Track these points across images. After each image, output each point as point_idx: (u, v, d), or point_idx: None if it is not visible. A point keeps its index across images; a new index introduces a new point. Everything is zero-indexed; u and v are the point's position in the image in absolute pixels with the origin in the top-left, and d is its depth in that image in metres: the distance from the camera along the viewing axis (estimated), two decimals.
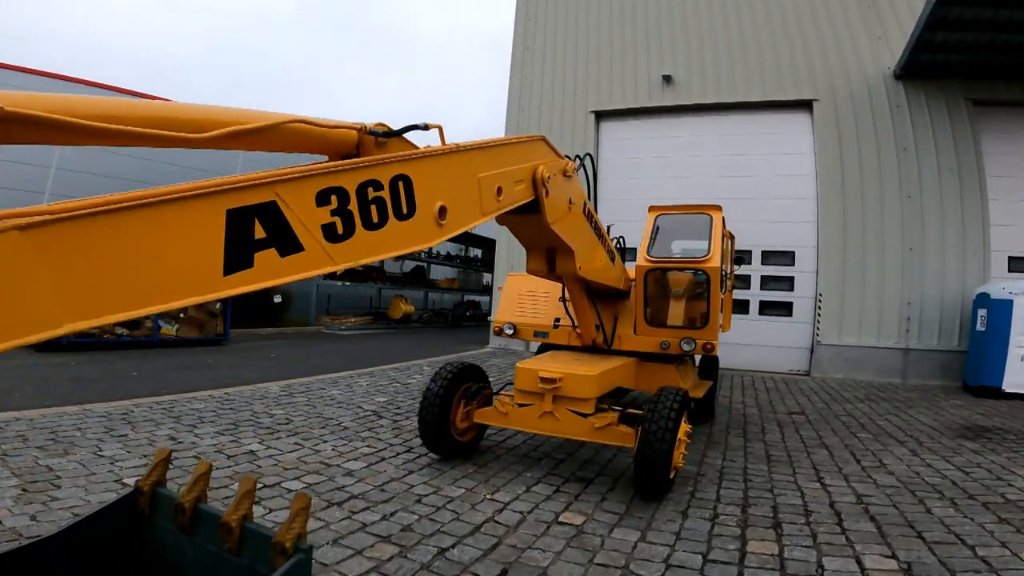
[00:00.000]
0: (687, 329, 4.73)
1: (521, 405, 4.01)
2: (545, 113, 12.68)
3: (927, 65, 10.06)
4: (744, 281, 11.05)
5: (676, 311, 4.84)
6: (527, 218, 3.17)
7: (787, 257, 10.98)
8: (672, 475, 3.65)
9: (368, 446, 4.62)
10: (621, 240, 5.48)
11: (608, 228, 6.62)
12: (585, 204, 3.83)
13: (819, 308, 10.61)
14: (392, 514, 3.27)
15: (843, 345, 10.42)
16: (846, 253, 10.55)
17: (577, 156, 4.06)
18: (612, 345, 4.87)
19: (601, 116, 12.44)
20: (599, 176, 12.18)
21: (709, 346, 4.64)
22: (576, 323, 4.78)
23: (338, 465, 4.11)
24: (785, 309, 10.93)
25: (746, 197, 11.03)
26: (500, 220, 3.29)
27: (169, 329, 10.23)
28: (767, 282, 11.03)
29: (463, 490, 3.72)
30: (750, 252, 11.00)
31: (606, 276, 4.34)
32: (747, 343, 10.88)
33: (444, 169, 2.16)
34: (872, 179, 10.58)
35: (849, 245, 10.55)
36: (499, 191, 2.59)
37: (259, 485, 3.57)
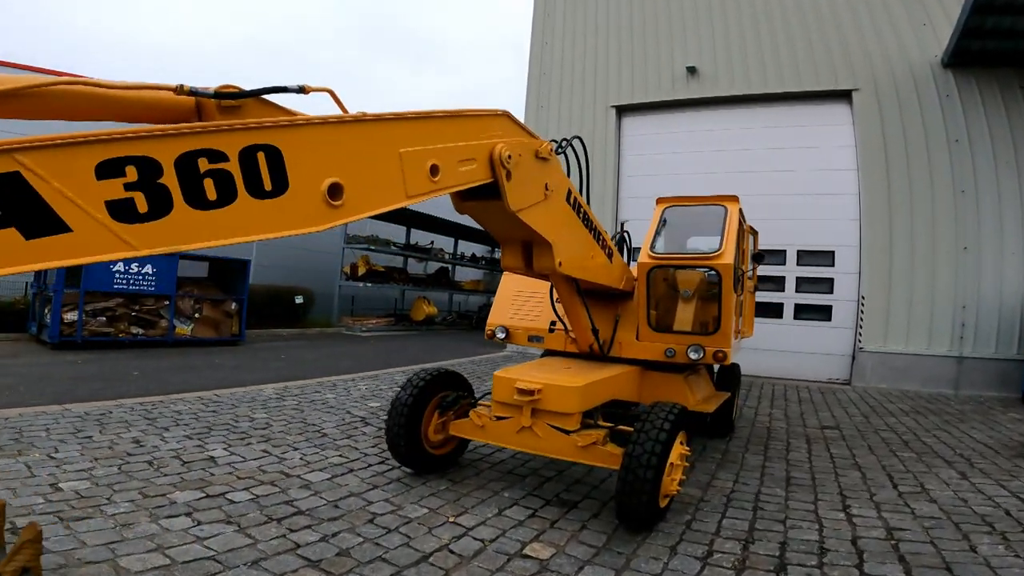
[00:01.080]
0: (696, 335, 4.21)
1: (499, 418, 3.59)
2: (564, 109, 12.22)
3: (978, 53, 9.20)
4: (778, 283, 10.32)
5: (684, 314, 4.32)
6: (487, 204, 2.75)
7: (826, 257, 10.18)
8: (666, 503, 3.15)
9: (341, 456, 4.27)
10: (626, 235, 4.99)
11: (622, 224, 6.14)
12: (570, 192, 3.38)
13: (862, 312, 9.79)
14: (334, 535, 2.90)
15: (888, 352, 9.58)
16: (892, 252, 9.70)
17: (565, 140, 3.63)
18: (611, 352, 4.39)
19: (622, 111, 11.89)
20: (621, 173, 11.74)
21: (721, 355, 4.10)
22: (568, 327, 4.32)
23: (298, 476, 3.77)
24: (823, 313, 10.14)
25: (779, 193, 10.32)
26: (459, 207, 2.90)
27: (184, 329, 10.20)
28: (803, 284, 10.26)
29: (426, 510, 3.31)
30: (784, 252, 10.27)
31: (600, 275, 3.87)
32: (781, 349, 10.14)
33: (336, 141, 1.77)
34: (921, 173, 9.71)
35: (896, 244, 9.71)
36: (434, 170, 2.18)
37: (200, 496, 3.26)
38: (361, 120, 1.86)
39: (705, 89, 11.10)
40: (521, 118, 12.34)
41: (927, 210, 9.60)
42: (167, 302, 9.98)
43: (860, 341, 9.74)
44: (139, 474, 3.61)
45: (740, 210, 4.76)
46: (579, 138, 3.78)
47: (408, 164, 2.05)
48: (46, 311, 9.49)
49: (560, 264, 3.22)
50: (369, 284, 15.67)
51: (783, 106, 10.69)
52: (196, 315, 10.30)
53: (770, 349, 10.19)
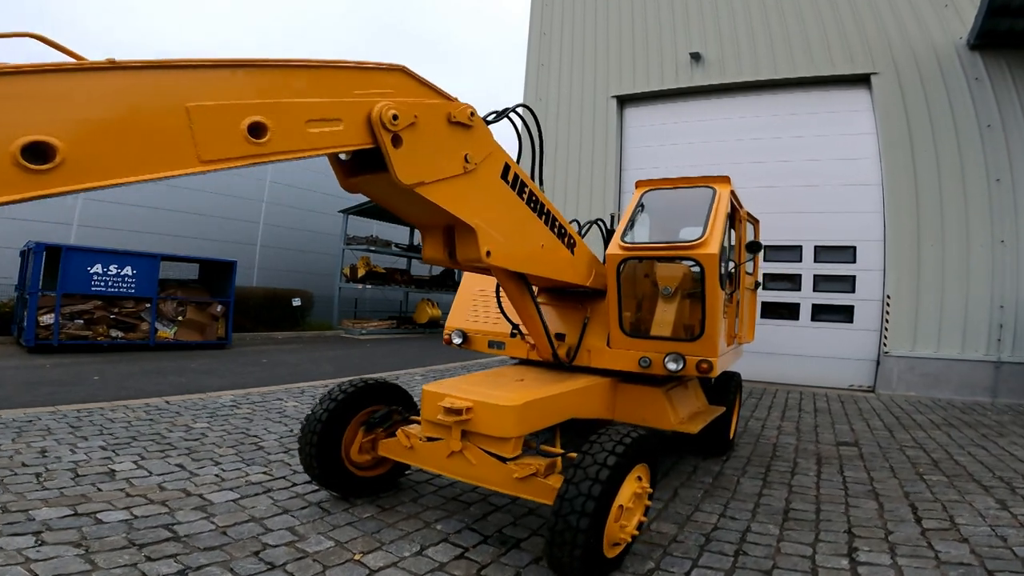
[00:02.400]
0: (677, 341, 3.55)
1: (430, 439, 3.00)
2: (563, 102, 11.59)
3: (1006, 33, 8.36)
4: (793, 282, 9.54)
5: (664, 316, 3.67)
6: (375, 179, 2.19)
7: (846, 253, 9.36)
8: (617, 551, 2.52)
9: (265, 473, 3.74)
10: (601, 224, 4.36)
11: (612, 216, 5.48)
12: (509, 169, 2.78)
13: (887, 313, 8.95)
14: (198, 568, 2.35)
15: (917, 357, 8.73)
16: (920, 247, 8.85)
17: (507, 109, 3.04)
18: (577, 360, 3.77)
19: (624, 102, 11.22)
20: (623, 167, 11.06)
21: (706, 365, 3.44)
22: (523, 331, 3.71)
23: (200, 495, 3.27)
24: (844, 314, 9.32)
25: (793, 185, 9.57)
26: (344, 184, 2.35)
27: (166, 332, 9.84)
28: (822, 282, 9.45)
29: (331, 543, 2.75)
30: (800, 248, 9.49)
31: (556, 269, 3.25)
32: (797, 354, 9.36)
33: (49, 92, 1.24)
34: (951, 160, 8.85)
35: (924, 237, 8.85)
36: (258, 130, 1.62)
37: (66, 514, 2.73)
38: (98, 68, 1.32)
39: (711, 76, 10.38)
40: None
41: (959, 201, 8.73)
42: (148, 304, 9.63)
43: (885, 344, 8.91)
44: (18, 487, 3.17)
45: (733, 193, 4.10)
46: (527, 106, 3.17)
47: (203, 121, 1.50)
48: (25, 314, 9.21)
49: (489, 254, 2.62)
50: (369, 286, 15.23)
51: (795, 93, 9.93)
52: (179, 318, 9.93)
53: (785, 353, 9.42)
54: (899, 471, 4.61)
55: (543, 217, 3.10)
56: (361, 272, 15.02)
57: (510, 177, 2.81)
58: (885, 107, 9.26)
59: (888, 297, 8.96)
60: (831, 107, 9.74)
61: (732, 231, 4.38)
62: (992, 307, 8.44)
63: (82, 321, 9.07)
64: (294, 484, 3.57)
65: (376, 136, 2.02)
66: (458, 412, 2.76)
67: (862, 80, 9.54)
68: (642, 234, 3.75)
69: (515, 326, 3.79)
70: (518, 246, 2.87)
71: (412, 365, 9.50)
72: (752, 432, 5.76)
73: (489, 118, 2.83)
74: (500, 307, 3.67)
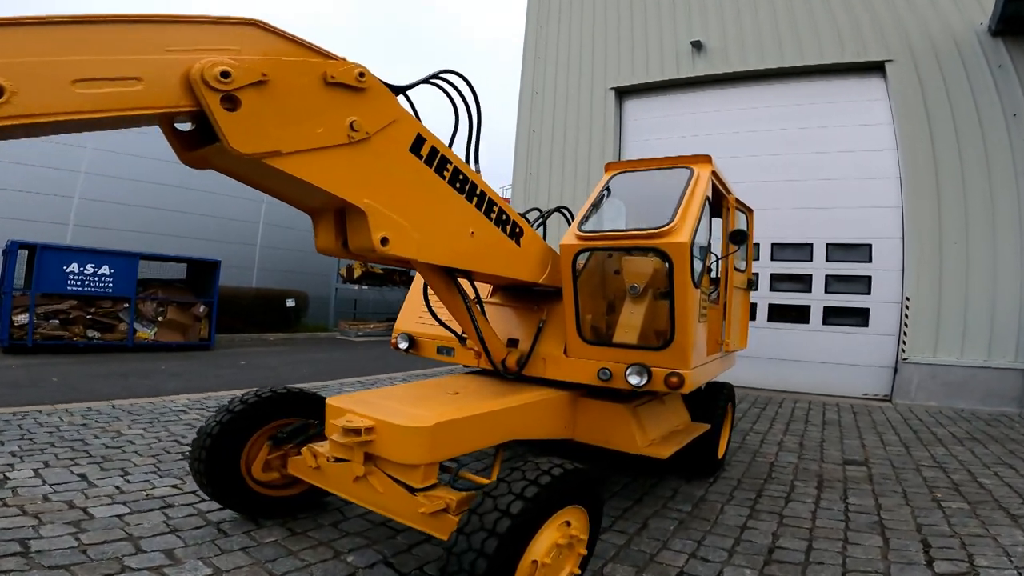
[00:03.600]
0: (643, 350, 3.02)
1: (337, 459, 2.53)
2: (560, 94, 11.08)
3: None
4: (803, 282, 8.91)
5: (629, 320, 3.14)
6: (218, 149, 1.74)
7: (861, 252, 8.70)
8: None
9: (175, 487, 3.36)
10: (566, 212, 3.85)
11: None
12: (422, 142, 2.29)
13: (906, 316, 8.29)
14: None
15: (939, 364, 8.04)
16: (943, 245, 8.17)
17: (430, 76, 2.56)
18: (527, 369, 3.26)
19: (623, 94, 10.68)
20: (622, 157, 10.51)
21: (675, 379, 2.90)
22: (463, 336, 3.22)
23: (85, 509, 2.95)
24: (859, 317, 8.66)
25: (803, 179, 8.96)
26: (184, 158, 1.90)
27: (146, 333, 9.52)
28: (834, 283, 8.80)
29: (208, 572, 2.32)
30: (810, 246, 8.85)
31: (487, 261, 2.73)
32: (806, 359, 8.73)
33: None
34: (975, 152, 8.17)
35: (947, 235, 8.17)
36: None
37: None
38: None
39: (713, 66, 9.81)
40: (515, 105, 11.41)
41: (983, 195, 8.05)
42: (126, 304, 9.31)
43: (904, 350, 8.24)
44: None
45: (716, 175, 3.56)
46: (460, 75, 2.69)
47: None
48: None
49: (386, 241, 2.13)
50: (365, 287, 14.85)
51: (804, 82, 9.32)
52: (159, 318, 9.60)
53: (793, 360, 8.80)
54: (913, 497, 4.03)
55: (475, 200, 2.60)
56: (357, 273, 14.65)
57: (424, 151, 2.31)
58: (902, 96, 8.63)
59: (907, 299, 8.29)
60: (843, 97, 9.12)
61: (717, 220, 3.85)
62: (1021, 310, 7.74)
63: (58, 321, 8.78)
64: (202, 500, 3.18)
65: (198, 97, 1.58)
66: (357, 432, 2.28)
67: (876, 68, 8.92)
68: (608, 222, 3.23)
69: (450, 329, 3.28)
70: (435, 233, 2.37)
71: (396, 369, 9.05)
72: (748, 448, 5.19)
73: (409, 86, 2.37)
74: (428, 307, 3.17)
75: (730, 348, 4.07)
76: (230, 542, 2.71)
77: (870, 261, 8.62)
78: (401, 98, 2.46)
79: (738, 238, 3.34)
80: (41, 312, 8.65)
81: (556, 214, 3.97)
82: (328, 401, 2.56)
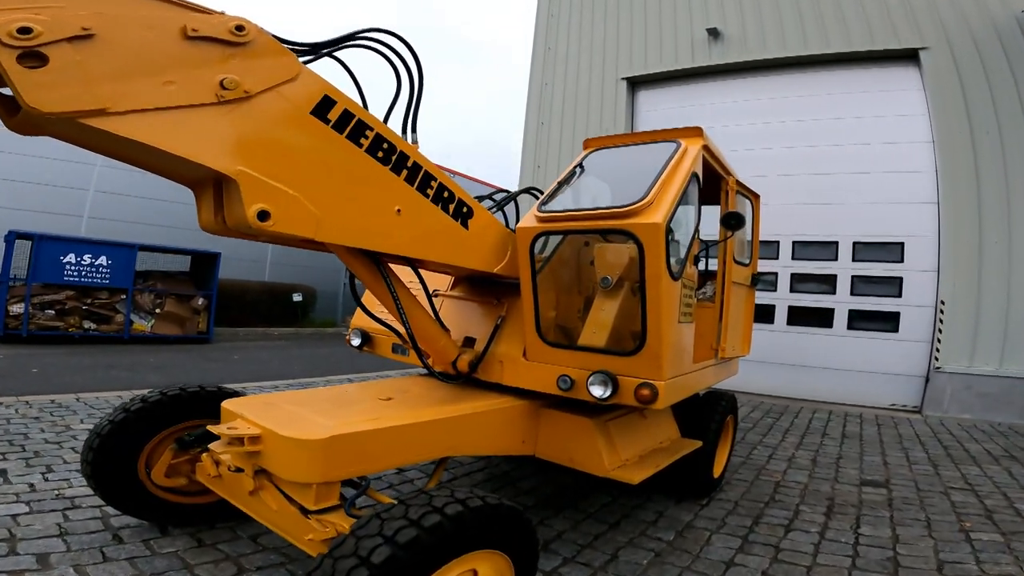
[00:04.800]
0: (611, 355, 2.57)
1: (237, 469, 2.16)
2: (570, 86, 10.63)
3: None
4: (826, 283, 8.28)
5: (598, 318, 2.68)
6: (27, 115, 1.43)
7: (892, 251, 8.04)
8: None
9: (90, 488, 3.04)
10: (536, 195, 3.42)
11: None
12: (331, 104, 1.90)
13: (940, 321, 7.61)
14: None
15: (975, 374, 7.36)
16: (983, 245, 7.48)
17: (351, 34, 2.19)
18: (485, 374, 2.85)
19: (636, 84, 10.17)
20: None
21: (647, 391, 2.43)
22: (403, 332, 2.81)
23: None
24: (888, 322, 8.00)
25: (827, 172, 8.36)
26: (14, 125, 1.59)
27: (142, 325, 9.38)
28: (861, 284, 8.15)
29: None
30: (836, 244, 8.22)
31: (421, 244, 2.31)
32: (828, 366, 8.12)
33: None
34: (1018, 144, 7.46)
35: (987, 233, 7.48)
36: None
37: None
38: None
39: (731, 54, 9.24)
40: (523, 100, 11.00)
41: None
42: (123, 296, 9.18)
43: (937, 358, 7.57)
44: None
45: (709, 149, 3.09)
46: (393, 33, 2.30)
47: None
48: None
49: (266, 216, 1.74)
50: None
51: (829, 71, 8.69)
52: (157, 310, 9.45)
53: (814, 366, 8.19)
54: (937, 526, 3.50)
55: (404, 173, 2.20)
56: None
57: (334, 115, 1.93)
58: (938, 86, 7.96)
59: (942, 303, 7.61)
60: (873, 86, 8.46)
61: (710, 205, 3.36)
62: None
63: (53, 311, 8.67)
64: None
65: None
66: (240, 441, 1.92)
67: (909, 57, 8.26)
68: (564, 200, 2.78)
69: (386, 325, 2.86)
70: (342, 209, 1.98)
71: (393, 367, 8.71)
72: (753, 464, 4.68)
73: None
74: (355, 299, 2.76)
75: (727, 354, 3.57)
76: (120, 550, 2.43)
77: (901, 261, 7.96)
78: (329, 63, 2.14)
79: (732, 222, 2.83)
80: (37, 302, 8.55)
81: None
82: (224, 405, 2.20)
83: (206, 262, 10.63)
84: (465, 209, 2.51)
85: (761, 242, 8.69)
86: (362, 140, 2.03)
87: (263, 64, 1.74)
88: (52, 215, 13.23)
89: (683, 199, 2.63)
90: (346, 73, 2.43)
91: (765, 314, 8.58)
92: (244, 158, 1.70)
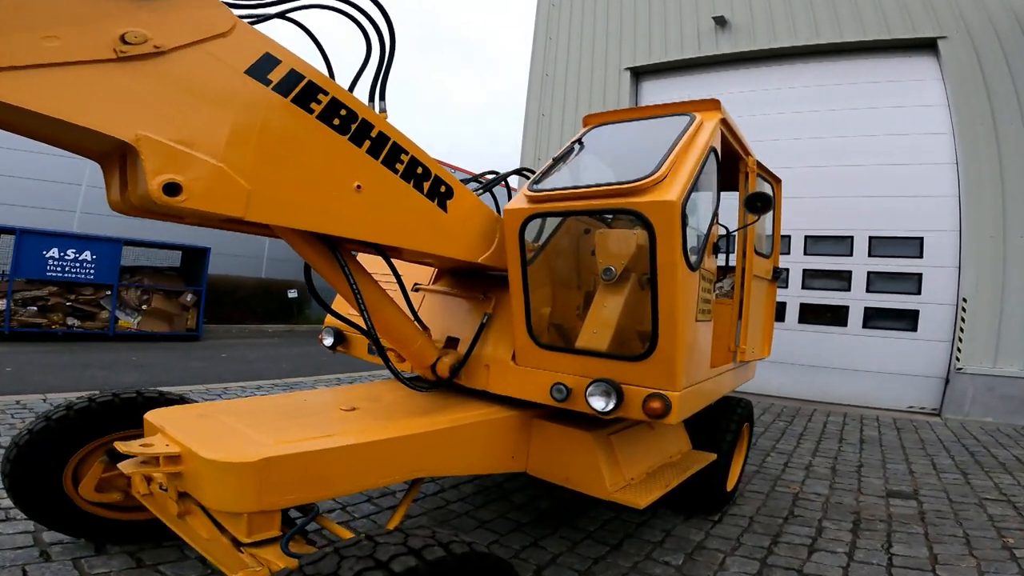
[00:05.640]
0: (615, 360, 2.21)
1: (164, 488, 1.83)
2: (572, 77, 10.29)
3: None
4: (841, 279, 7.90)
5: (600, 316, 2.31)
6: None
7: (910, 246, 7.65)
8: None
9: None
10: (529, 176, 3.06)
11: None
12: (273, 63, 1.60)
13: (962, 320, 7.23)
14: None
15: (998, 375, 6.98)
16: (1007, 239, 7.10)
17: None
18: (469, 380, 2.50)
19: (640, 74, 9.83)
20: None
21: (657, 404, 2.08)
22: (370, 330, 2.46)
23: None
24: (906, 320, 7.61)
25: (842, 164, 8.00)
26: None
27: (128, 322, 9.06)
28: (878, 281, 7.77)
29: None
30: (851, 239, 7.84)
31: (388, 229, 1.95)
32: (843, 367, 7.74)
33: None
34: None
35: (1012, 227, 7.10)
36: None
37: None
38: None
39: (739, 43, 8.89)
40: (524, 91, 10.64)
41: None
42: (108, 292, 8.86)
43: (958, 359, 7.18)
44: None
45: (726, 124, 2.72)
46: None
47: None
48: None
49: (176, 190, 1.40)
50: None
51: (843, 61, 8.34)
52: (143, 307, 9.13)
53: (828, 367, 7.82)
54: (978, 543, 3.15)
55: (367, 145, 1.85)
56: None
57: (277, 75, 1.60)
58: (958, 76, 7.60)
59: (964, 300, 7.23)
60: (889, 76, 8.10)
61: (727, 191, 2.99)
62: None
63: (36, 308, 8.36)
64: None
65: None
66: (155, 461, 1.60)
67: (926, 46, 7.89)
68: (558, 179, 2.42)
69: (346, 321, 2.50)
70: (283, 183, 1.63)
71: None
72: (768, 474, 4.32)
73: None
74: (311, 292, 2.40)
75: (746, 357, 3.20)
76: (43, 569, 2.15)
77: (920, 257, 7.57)
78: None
79: (758, 204, 2.43)
80: (19, 298, 8.24)
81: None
82: (146, 417, 1.86)
83: (197, 257, 10.31)
84: (443, 188, 2.16)
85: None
86: (313, 105, 1.70)
87: (183, 17, 1.44)
88: (45, 210, 12.94)
89: (700, 177, 2.27)
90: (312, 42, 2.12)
91: (776, 312, 8.21)
92: (149, 122, 1.38)
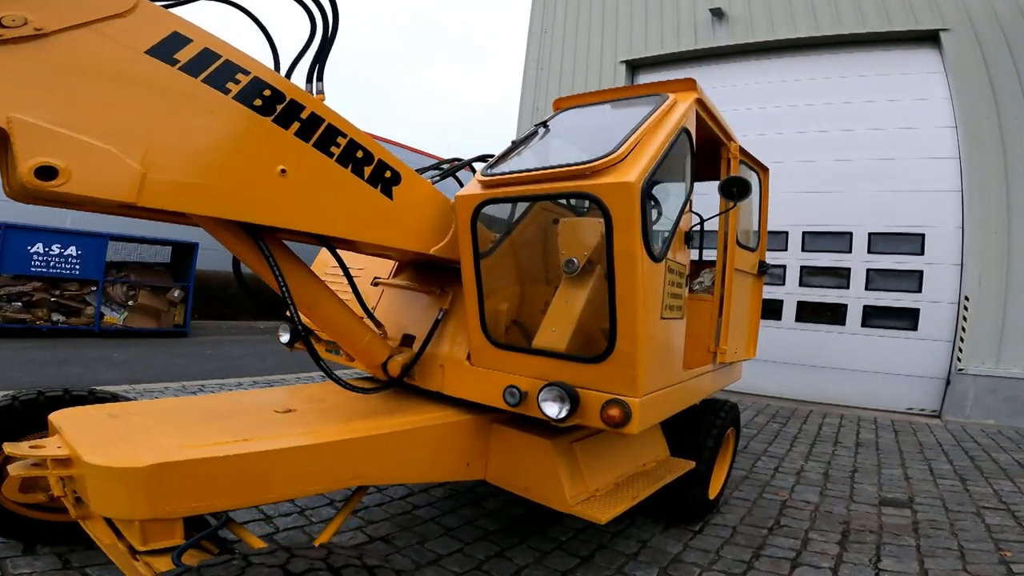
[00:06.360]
0: (572, 361, 2.03)
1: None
2: (567, 70, 10.12)
3: None
4: (839, 276, 7.69)
5: (560, 312, 2.13)
6: None
7: (911, 242, 7.44)
8: None
9: None
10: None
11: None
12: (182, 41, 1.49)
13: (964, 319, 7.02)
14: None
15: (1002, 376, 6.77)
16: (1011, 236, 6.88)
17: None
18: (424, 381, 2.33)
19: (636, 67, 9.64)
20: None
21: (616, 411, 1.89)
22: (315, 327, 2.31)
23: None
24: (906, 319, 7.40)
25: (841, 159, 7.82)
26: None
27: (114, 318, 8.94)
28: (877, 278, 7.56)
29: None
30: (849, 234, 7.63)
31: (317, 216, 1.77)
32: (841, 367, 7.55)
33: None
34: None
35: (1017, 224, 6.89)
36: None
37: None
38: None
39: (736, 36, 8.69)
40: (519, 85, 10.46)
41: None
42: (94, 287, 8.73)
43: (959, 359, 6.97)
44: None
45: (703, 105, 2.53)
46: None
47: None
48: None
49: (51, 173, 1.27)
50: None
51: (843, 53, 8.11)
52: (130, 302, 9.00)
53: (825, 366, 7.62)
54: (973, 557, 2.97)
55: (296, 127, 1.69)
56: None
57: (185, 56, 1.48)
58: (961, 69, 7.38)
59: (966, 299, 7.02)
60: (890, 69, 7.89)
61: (708, 180, 2.81)
62: None
63: (20, 304, 8.24)
64: None
65: None
66: (42, 463, 1.47)
67: (928, 39, 7.68)
68: (517, 162, 2.23)
69: (294, 318, 2.34)
70: (188, 167, 1.48)
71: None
72: (757, 479, 4.14)
73: None
74: (240, 284, 2.22)
75: (728, 358, 3.02)
76: None
77: (922, 253, 7.35)
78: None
79: (734, 189, 2.21)
80: (3, 294, 8.12)
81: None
82: (50, 417, 1.71)
83: (186, 253, 10.18)
84: (388, 174, 1.99)
85: (769, 232, 8.17)
86: (229, 85, 1.57)
87: None
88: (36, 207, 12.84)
89: (669, 159, 2.08)
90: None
91: (772, 310, 8.02)
92: (24, 104, 1.27)
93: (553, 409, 1.92)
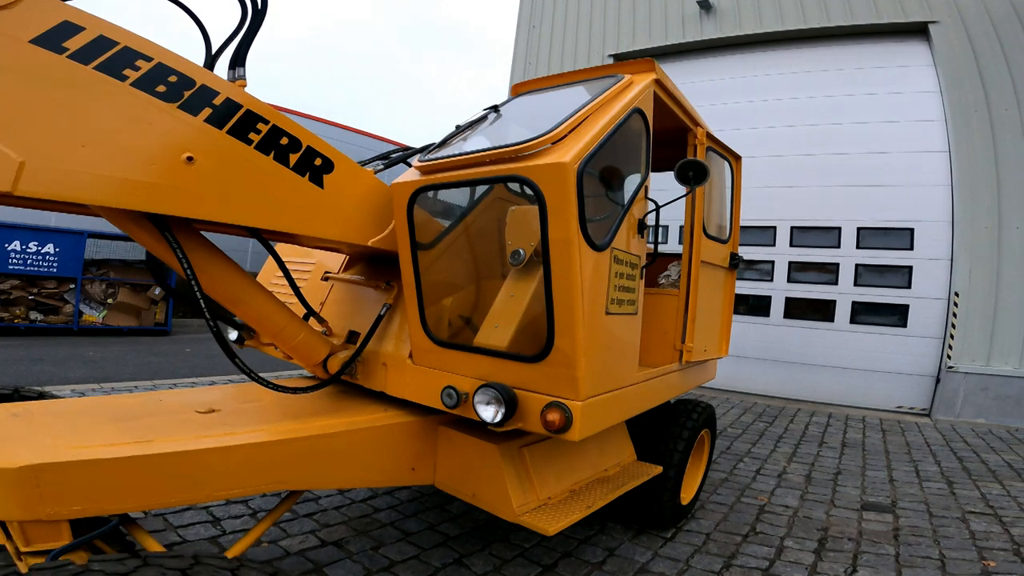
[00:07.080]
0: (513, 360, 1.89)
1: None
2: (555, 64, 10.01)
3: None
4: (827, 272, 7.57)
5: (503, 308, 1.99)
6: None
7: (901, 237, 7.32)
8: None
9: None
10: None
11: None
12: (73, 31, 1.41)
13: (954, 315, 6.90)
14: None
15: (992, 374, 6.65)
16: (1001, 230, 6.76)
17: None
18: (367, 379, 2.21)
19: (623, 61, 9.48)
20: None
21: (556, 416, 1.76)
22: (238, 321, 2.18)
23: None
24: (895, 315, 7.28)
25: (829, 152, 7.68)
26: None
27: (93, 316, 8.78)
28: (866, 274, 7.43)
29: None
30: (838, 230, 7.51)
31: (229, 207, 1.63)
32: (829, 364, 7.42)
33: None
34: None
35: (1007, 218, 6.76)
36: None
37: None
38: None
39: (724, 29, 8.57)
40: (507, 79, 10.30)
41: None
42: (72, 285, 8.58)
43: (949, 356, 6.86)
44: None
45: (662, 86, 2.40)
46: None
47: None
48: None
49: None
50: None
51: (830, 46, 8.00)
52: (109, 300, 8.85)
53: (813, 364, 7.50)
54: (954, 566, 2.85)
55: (206, 112, 1.56)
56: None
57: (76, 44, 1.47)
58: (950, 61, 7.26)
59: (956, 295, 6.90)
60: (878, 62, 7.76)
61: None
62: None
63: None
64: None
65: None
66: None
67: (917, 31, 7.56)
68: (458, 146, 2.10)
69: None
70: (74, 155, 1.38)
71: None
72: (736, 482, 4.01)
73: None
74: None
75: (695, 356, 2.88)
76: None
77: (911, 249, 7.23)
78: None
79: (690, 174, 2.05)
80: None
81: None
82: None
83: None
84: (319, 161, 1.85)
85: (757, 228, 8.01)
86: (127, 71, 1.47)
87: None
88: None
89: (619, 141, 1.95)
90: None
91: (760, 306, 7.91)
92: None
93: (488, 412, 1.79)
